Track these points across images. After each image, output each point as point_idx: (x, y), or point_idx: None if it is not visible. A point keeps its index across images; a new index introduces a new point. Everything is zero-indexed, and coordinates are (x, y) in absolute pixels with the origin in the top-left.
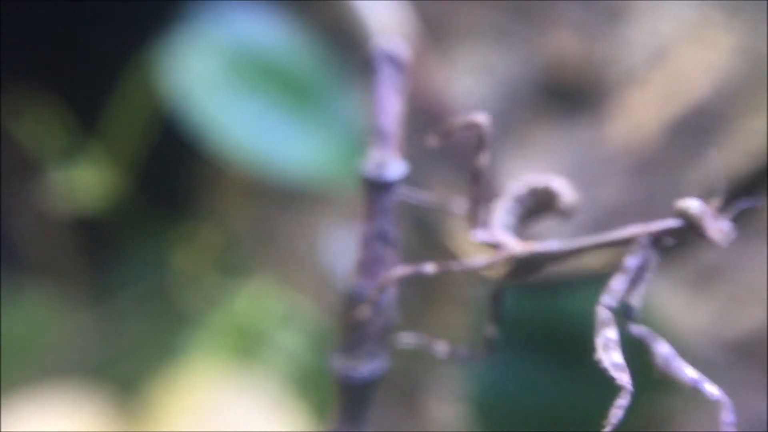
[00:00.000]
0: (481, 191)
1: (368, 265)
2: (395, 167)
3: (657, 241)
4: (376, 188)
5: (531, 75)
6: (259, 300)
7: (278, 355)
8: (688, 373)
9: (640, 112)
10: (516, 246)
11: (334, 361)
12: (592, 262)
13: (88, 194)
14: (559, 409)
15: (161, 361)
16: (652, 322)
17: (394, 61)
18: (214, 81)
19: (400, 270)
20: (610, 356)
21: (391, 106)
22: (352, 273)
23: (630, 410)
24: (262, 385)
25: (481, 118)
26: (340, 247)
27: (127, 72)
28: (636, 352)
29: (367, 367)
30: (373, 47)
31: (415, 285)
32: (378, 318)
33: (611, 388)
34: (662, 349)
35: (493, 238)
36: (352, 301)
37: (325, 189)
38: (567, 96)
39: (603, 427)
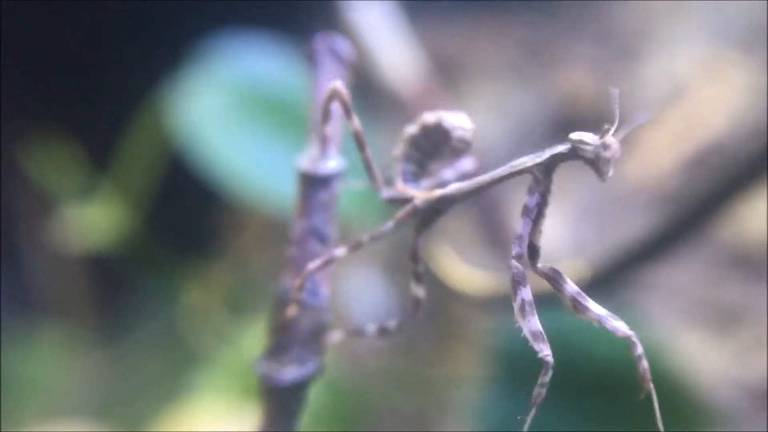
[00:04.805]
0: (369, 154)
1: (301, 263)
2: (332, 162)
3: (549, 169)
4: (311, 183)
5: (545, 112)
6: None
7: None
8: (595, 310)
9: (656, 150)
10: (418, 196)
11: (260, 364)
12: None
13: (100, 232)
14: None
15: (168, 400)
16: (671, 363)
17: (336, 57)
18: (223, 118)
19: (316, 263)
20: (528, 323)
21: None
22: (283, 272)
23: None
24: None
25: (338, 85)
26: (356, 288)
27: (138, 111)
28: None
29: (294, 371)
30: (315, 42)
31: (428, 324)
32: (307, 320)
33: (623, 421)
34: (570, 288)
35: (398, 194)
36: (281, 301)
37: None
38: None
39: None
